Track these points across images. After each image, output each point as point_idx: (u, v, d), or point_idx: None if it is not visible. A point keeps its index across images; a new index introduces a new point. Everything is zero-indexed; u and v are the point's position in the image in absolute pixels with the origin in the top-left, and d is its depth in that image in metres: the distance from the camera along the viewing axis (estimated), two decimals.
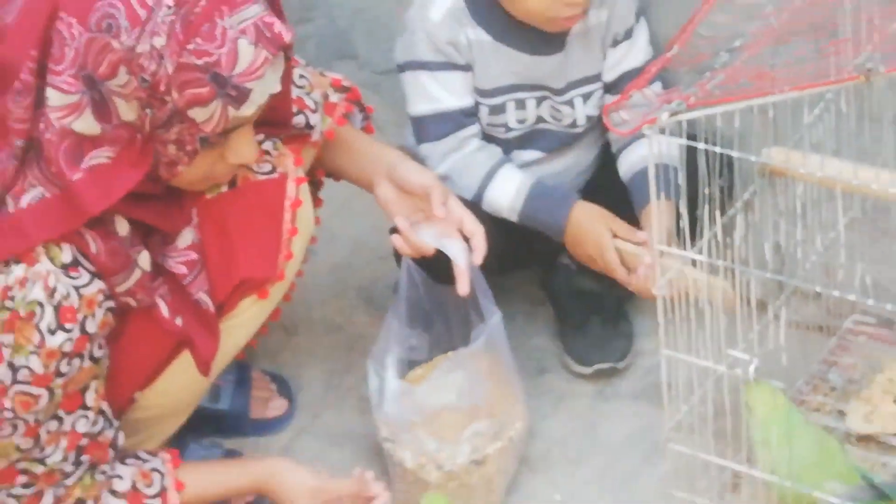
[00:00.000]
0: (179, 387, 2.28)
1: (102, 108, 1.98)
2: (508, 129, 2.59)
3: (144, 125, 2.01)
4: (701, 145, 2.09)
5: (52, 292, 2.01)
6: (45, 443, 2.11)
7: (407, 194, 2.40)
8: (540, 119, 2.60)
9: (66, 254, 2.03)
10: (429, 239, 2.36)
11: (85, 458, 2.15)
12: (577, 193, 2.55)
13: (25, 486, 2.16)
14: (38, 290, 2.00)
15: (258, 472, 2.35)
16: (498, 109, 2.57)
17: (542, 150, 2.64)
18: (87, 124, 1.99)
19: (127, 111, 1.98)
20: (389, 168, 2.42)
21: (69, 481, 2.15)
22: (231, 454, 2.55)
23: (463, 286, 2.35)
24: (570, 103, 2.57)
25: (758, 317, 2.25)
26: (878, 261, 2.54)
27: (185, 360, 2.23)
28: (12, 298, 2.00)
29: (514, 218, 2.52)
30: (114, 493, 2.20)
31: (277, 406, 2.68)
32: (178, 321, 2.17)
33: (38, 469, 2.14)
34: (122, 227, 2.09)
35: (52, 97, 1.97)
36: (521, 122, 2.59)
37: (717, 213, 2.11)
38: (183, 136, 2.05)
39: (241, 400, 2.65)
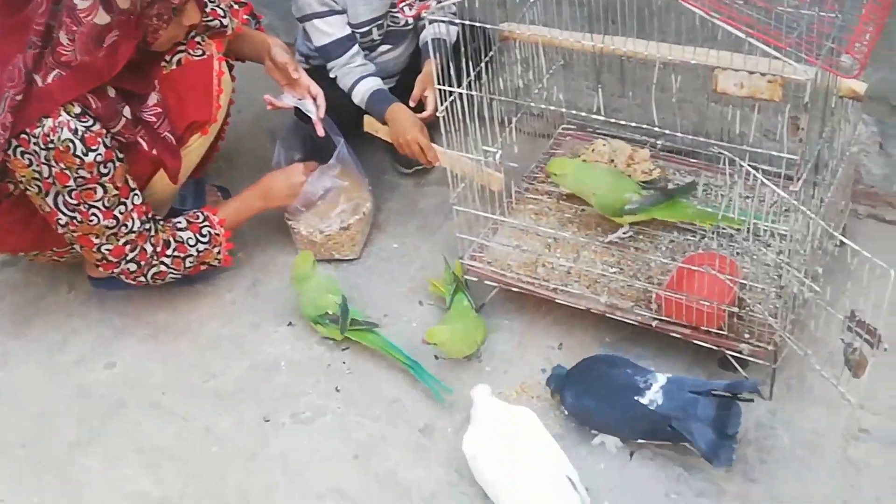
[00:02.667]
0: (160, 189, 2.53)
1: (108, 4, 2.17)
2: (374, 41, 2.85)
3: (136, 8, 2.21)
4: (459, 21, 2.39)
5: (74, 131, 2.23)
6: (124, 219, 2.38)
7: (279, 68, 2.66)
8: (388, 28, 2.85)
9: (76, 108, 2.24)
10: (288, 100, 2.63)
11: (151, 215, 2.43)
12: (395, 98, 2.74)
13: (132, 249, 2.42)
14: (66, 132, 2.22)
15: (257, 187, 2.63)
16: (366, 34, 2.82)
17: (392, 44, 2.90)
18: (102, 17, 2.17)
19: (124, 1, 2.18)
20: (269, 51, 2.65)
21: (154, 233, 2.43)
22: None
23: (319, 130, 2.65)
24: (402, 11, 2.84)
25: (502, 129, 2.52)
26: (574, 90, 2.83)
27: (161, 174, 2.49)
28: (52, 141, 2.22)
29: (363, 106, 2.77)
30: (179, 228, 2.50)
31: None
32: (154, 151, 2.42)
33: (133, 235, 2.41)
34: (111, 91, 2.31)
35: (79, 3, 2.13)
36: (380, 35, 2.84)
37: (471, 63, 2.37)
38: (161, 10, 2.26)
39: (200, 203, 2.86)
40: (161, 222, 2.50)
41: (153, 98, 2.43)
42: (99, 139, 2.26)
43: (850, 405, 2.22)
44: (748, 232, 2.26)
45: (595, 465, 2.25)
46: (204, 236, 2.54)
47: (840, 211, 2.50)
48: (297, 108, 2.68)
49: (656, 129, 2.52)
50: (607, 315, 2.40)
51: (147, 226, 2.44)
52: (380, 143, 2.87)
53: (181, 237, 2.50)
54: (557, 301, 2.45)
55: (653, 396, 2.17)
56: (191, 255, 2.52)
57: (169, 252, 2.48)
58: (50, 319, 2.74)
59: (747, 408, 2.27)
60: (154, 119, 2.43)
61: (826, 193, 2.31)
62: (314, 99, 2.62)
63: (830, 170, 2.31)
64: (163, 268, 2.48)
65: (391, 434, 2.36)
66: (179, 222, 2.53)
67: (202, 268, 2.58)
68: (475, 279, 2.55)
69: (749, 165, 2.13)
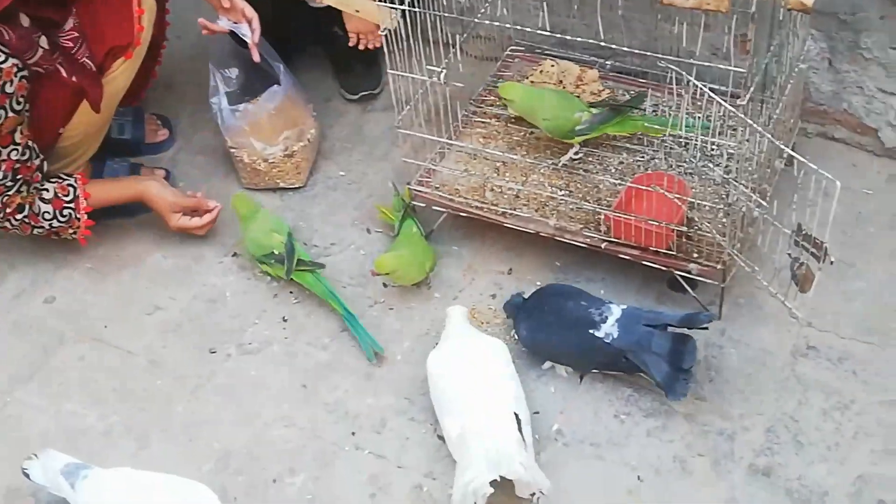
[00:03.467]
0: (86, 121, 2.47)
1: None
2: None
3: None
4: None
5: None
6: None
7: None
8: None
9: None
10: (223, 23, 2.55)
11: (19, 177, 2.32)
12: None
13: None
14: None
15: (139, 187, 2.54)
16: None
17: None
18: None
19: None
20: None
21: (11, 192, 2.32)
22: (134, 167, 2.74)
23: (255, 55, 2.56)
24: None
25: (447, 51, 2.44)
26: (521, 11, 2.74)
27: (86, 104, 2.42)
28: None
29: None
30: (43, 200, 2.40)
31: (163, 134, 2.88)
32: (74, 78, 2.35)
33: None
34: (25, 20, 2.23)
35: None
36: None
37: None
38: None
39: (139, 132, 2.83)
40: (30, 186, 2.37)
41: (70, 23, 2.35)
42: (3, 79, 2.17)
43: (798, 323, 2.24)
44: (696, 149, 2.24)
45: (545, 388, 2.24)
46: (64, 216, 2.44)
47: (789, 130, 2.49)
48: (232, 33, 2.59)
49: (603, 45, 2.48)
50: (557, 238, 2.38)
51: (8, 183, 2.32)
52: (325, 68, 2.79)
53: (38, 208, 2.40)
54: (506, 225, 2.43)
55: (608, 330, 2.15)
56: (41, 227, 2.43)
57: (19, 216, 2.38)
58: None
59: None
60: (71, 44, 2.35)
61: (774, 111, 2.30)
62: (249, 23, 2.53)
63: (779, 86, 2.29)
64: (7, 224, 2.39)
65: (340, 363, 2.34)
66: (46, 191, 2.41)
67: (52, 237, 2.49)
68: (423, 205, 2.52)
69: (696, 81, 2.10)
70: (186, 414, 2.26)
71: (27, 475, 2.05)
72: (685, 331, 2.15)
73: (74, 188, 2.45)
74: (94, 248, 2.63)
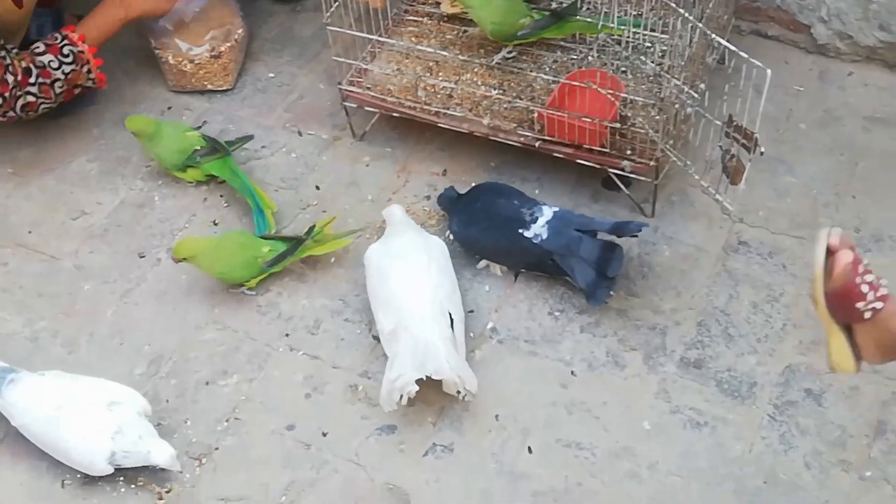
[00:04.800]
0: (6, 18, 2.38)
1: None
2: None
3: None
4: None
5: None
6: None
7: None
8: None
9: None
10: None
11: (2, 46, 2.29)
12: None
13: None
14: None
15: (120, 7, 2.44)
16: None
17: None
18: None
19: None
20: None
21: (7, 61, 2.27)
22: (58, 13, 2.61)
23: None
24: None
25: None
26: None
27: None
28: None
29: None
30: (38, 54, 2.33)
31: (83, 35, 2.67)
32: None
33: None
34: None
35: None
36: None
37: None
38: None
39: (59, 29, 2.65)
40: (16, 51, 2.33)
41: None
42: None
43: (729, 218, 2.25)
44: (628, 45, 2.21)
45: (480, 286, 2.24)
46: (66, 56, 2.36)
47: (722, 27, 2.48)
48: None
49: None
50: (491, 138, 2.36)
51: (2, 53, 2.28)
52: None
53: (42, 62, 2.33)
54: (440, 125, 2.40)
55: (538, 231, 2.14)
56: (58, 80, 2.35)
57: (32, 80, 2.31)
58: None
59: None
60: None
61: (707, 6, 2.27)
62: None
63: None
64: (30, 98, 2.32)
65: None
66: (37, 47, 2.36)
67: (76, 91, 2.41)
68: (355, 105, 2.47)
69: None
70: (116, 318, 2.22)
71: None
72: (614, 239, 2.14)
73: (60, 34, 2.38)
74: (15, 151, 2.55)
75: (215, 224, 2.39)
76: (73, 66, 2.37)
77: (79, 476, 1.93)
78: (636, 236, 2.17)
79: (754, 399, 2.00)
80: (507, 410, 2.01)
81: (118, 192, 2.47)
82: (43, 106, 2.37)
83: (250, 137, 2.50)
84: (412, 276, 2.07)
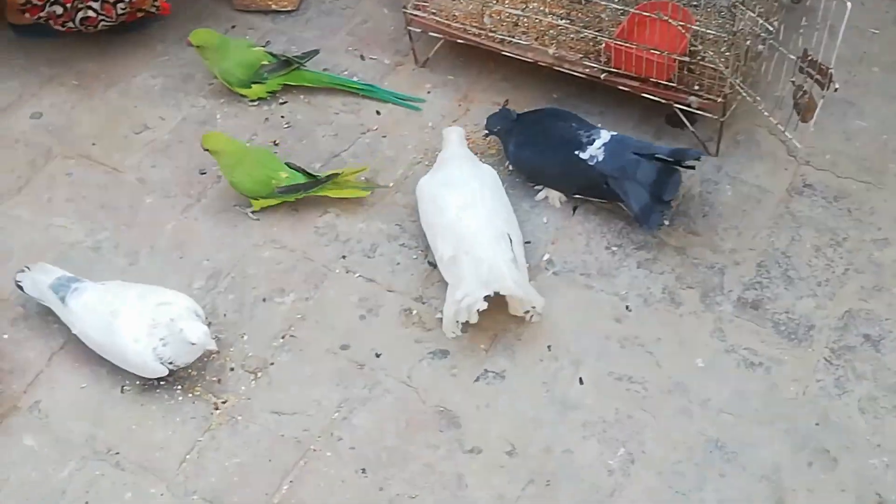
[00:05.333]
0: None
1: None
2: None
3: None
4: None
5: None
6: None
7: None
8: None
9: None
10: None
11: None
12: None
13: None
14: None
15: None
16: None
17: None
18: None
19: None
20: None
21: None
22: None
23: None
24: None
25: None
26: None
27: None
28: None
29: None
30: None
31: None
32: None
33: None
34: None
35: None
36: None
37: None
38: None
39: None
40: None
41: None
42: None
43: (795, 159, 2.22)
44: None
45: (538, 218, 2.23)
46: None
47: None
48: None
49: None
50: (555, 68, 2.34)
51: None
52: None
53: None
54: (504, 54, 2.38)
55: (594, 153, 2.13)
56: (122, 1, 2.37)
57: None
58: None
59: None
60: None
61: None
62: None
63: None
64: (91, 13, 2.34)
65: None
66: None
67: (139, 15, 2.43)
68: (419, 30, 2.45)
69: None
70: (176, 232, 2.24)
71: (20, 287, 2.05)
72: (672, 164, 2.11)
73: None
74: (81, 64, 2.57)
75: (275, 144, 2.40)
76: None
77: (138, 382, 1.97)
78: (693, 167, 2.15)
79: (811, 342, 1.99)
80: (560, 341, 2.02)
81: (181, 109, 2.48)
82: (103, 23, 2.38)
83: (316, 52, 2.51)
84: (467, 202, 2.07)
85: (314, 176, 2.21)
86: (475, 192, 2.09)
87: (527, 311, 1.98)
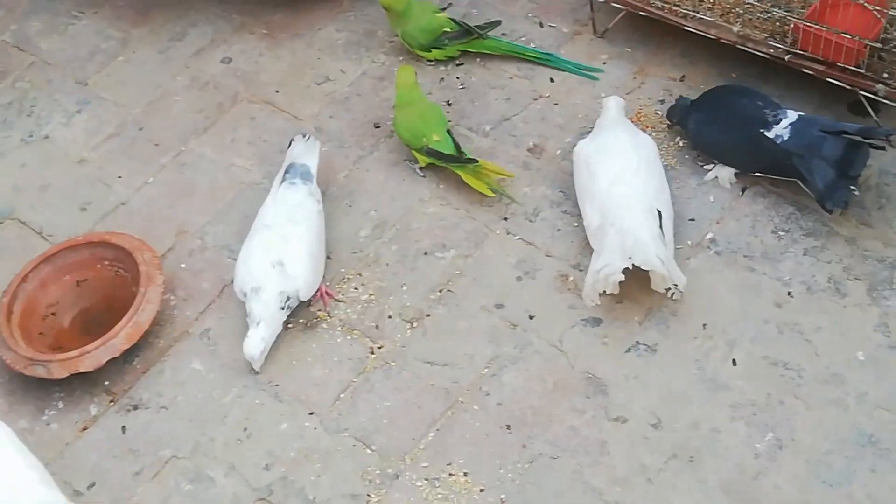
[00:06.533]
0: None
1: None
2: None
3: None
4: None
5: None
6: None
7: None
8: None
9: None
10: None
11: None
12: None
13: None
14: None
15: None
16: None
17: None
18: None
19: None
20: None
21: None
22: None
23: None
24: None
25: None
26: None
27: None
28: None
29: None
30: None
31: None
32: None
33: None
34: None
35: None
36: None
37: None
38: None
39: None
40: None
41: None
42: None
43: None
44: None
45: (704, 197, 2.22)
46: None
47: None
48: None
49: None
50: (738, 47, 2.31)
51: None
52: None
53: None
54: (686, 28, 2.36)
55: (780, 132, 2.11)
56: None
57: None
58: (171, 11, 2.74)
59: (873, 154, 2.20)
60: None
61: None
62: None
63: None
64: None
65: (500, 151, 2.36)
66: None
67: None
68: (602, 0, 2.46)
69: None
70: (347, 181, 2.33)
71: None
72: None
73: None
74: (270, 14, 2.69)
75: (448, 104, 2.46)
76: None
77: (301, 320, 2.08)
78: (884, 147, 2.09)
79: None
80: (716, 320, 2.01)
81: (361, 63, 2.57)
82: None
83: (498, 23, 2.54)
84: (620, 172, 2.09)
85: (462, 153, 2.25)
86: (630, 161, 2.11)
87: (668, 289, 1.98)
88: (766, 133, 2.11)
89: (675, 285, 1.98)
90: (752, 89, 2.25)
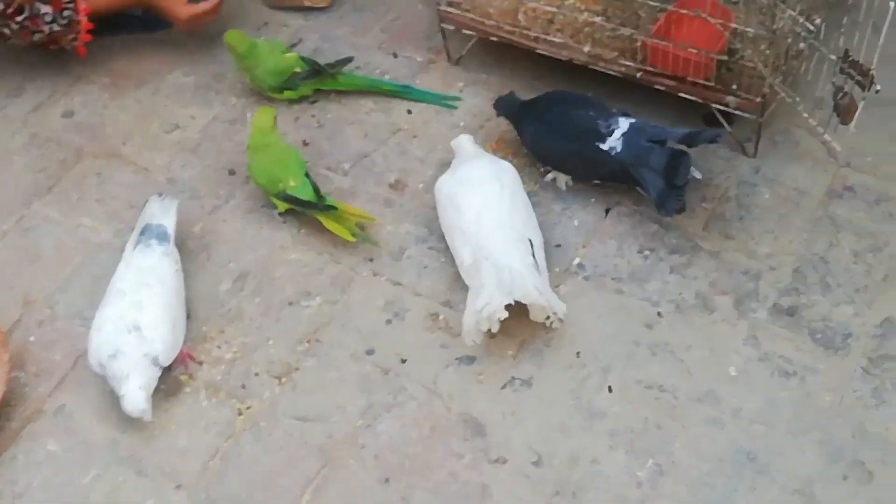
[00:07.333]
0: None
1: None
2: None
3: None
4: None
5: None
6: None
7: None
8: None
9: None
10: None
11: None
12: None
13: None
14: None
15: None
16: None
17: None
18: None
19: None
20: None
21: None
22: None
23: None
24: None
25: None
26: None
27: None
28: None
29: None
30: (43, 1, 2.33)
31: None
32: None
33: None
34: None
35: None
36: None
37: None
38: None
39: None
40: None
41: None
42: None
43: (835, 162, 2.18)
44: None
45: (569, 221, 2.22)
46: (64, 19, 2.36)
47: None
48: None
49: None
50: (590, 67, 2.32)
51: None
52: None
53: (38, 9, 2.33)
54: (538, 51, 2.36)
55: (613, 143, 2.14)
56: (41, 32, 2.36)
57: (19, 18, 2.32)
58: (4, 65, 2.63)
59: (729, 165, 2.25)
60: None
61: None
62: None
63: None
64: (6, 31, 2.34)
65: (360, 189, 2.32)
66: None
67: (51, 47, 2.42)
68: (452, 28, 2.45)
69: None
70: (203, 233, 2.26)
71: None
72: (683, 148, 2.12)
73: None
74: (112, 63, 2.60)
75: (305, 144, 2.41)
76: (62, 29, 2.37)
77: (162, 387, 1.98)
78: (716, 142, 2.14)
79: (848, 351, 1.96)
80: (589, 347, 2.01)
81: (212, 107, 2.50)
82: (12, 41, 2.38)
83: (350, 59, 2.50)
84: (486, 204, 2.07)
85: (322, 198, 2.20)
86: (494, 193, 2.09)
87: (547, 317, 1.97)
88: (600, 146, 2.14)
89: (555, 313, 1.96)
90: (585, 97, 2.27)
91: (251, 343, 2.06)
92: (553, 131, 2.21)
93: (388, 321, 2.09)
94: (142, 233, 2.12)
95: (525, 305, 1.96)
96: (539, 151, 2.27)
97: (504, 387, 1.97)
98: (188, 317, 2.08)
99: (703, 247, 2.14)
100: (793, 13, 2.01)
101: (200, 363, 2.03)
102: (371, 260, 2.19)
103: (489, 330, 1.94)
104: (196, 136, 2.45)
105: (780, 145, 2.27)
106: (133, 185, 2.36)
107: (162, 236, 2.11)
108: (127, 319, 1.95)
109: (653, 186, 2.09)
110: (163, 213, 2.16)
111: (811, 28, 1.99)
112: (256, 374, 2.01)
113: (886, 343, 1.95)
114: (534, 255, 2.02)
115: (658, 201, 2.09)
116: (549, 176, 2.26)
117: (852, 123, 1.93)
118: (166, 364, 1.97)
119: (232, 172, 2.37)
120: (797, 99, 2.10)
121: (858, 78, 1.85)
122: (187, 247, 2.23)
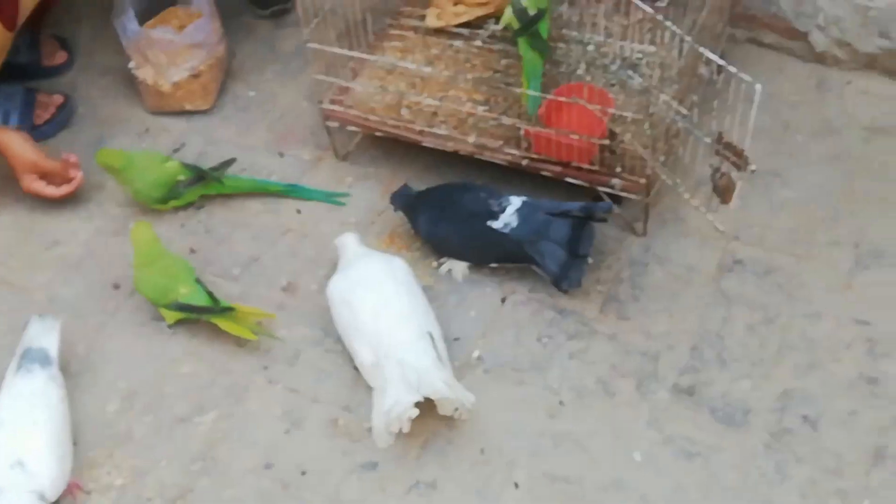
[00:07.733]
0: None
1: None
2: None
3: None
4: None
5: None
6: None
7: None
8: None
9: None
10: None
11: None
12: None
13: None
14: None
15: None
16: None
17: None
18: None
19: None
20: None
21: None
22: (29, 93, 2.60)
23: None
24: None
25: None
26: None
27: None
28: None
29: None
30: None
31: (61, 56, 2.78)
32: None
33: None
34: None
35: None
36: None
37: None
38: None
39: (34, 54, 2.73)
40: None
41: None
42: None
43: (724, 237, 2.21)
44: (617, 59, 2.18)
45: (465, 313, 2.20)
46: None
47: (717, 36, 2.44)
48: None
49: None
50: (477, 156, 2.33)
51: None
52: None
53: None
54: (424, 144, 2.37)
55: (507, 219, 2.15)
56: None
57: None
58: None
59: (620, 246, 2.26)
60: None
61: (700, 15, 2.24)
62: None
63: None
64: None
65: (251, 295, 2.28)
66: None
67: None
68: (337, 125, 2.45)
69: None
70: (87, 354, 2.19)
71: None
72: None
73: None
74: None
75: (192, 251, 2.37)
76: None
77: None
78: (605, 220, 2.17)
79: (749, 426, 1.96)
80: (493, 443, 1.98)
81: (93, 220, 2.44)
82: None
83: (233, 161, 2.47)
84: (382, 302, 2.05)
85: (217, 301, 2.15)
86: (390, 290, 2.08)
87: (455, 409, 1.94)
88: (493, 225, 2.14)
89: (464, 405, 1.94)
90: (476, 184, 2.29)
91: (142, 466, 1.98)
92: (445, 217, 2.21)
93: (287, 431, 2.04)
94: (22, 357, 2.04)
95: (430, 401, 1.92)
96: (433, 239, 2.26)
97: (409, 491, 1.93)
98: (74, 443, 1.99)
99: (601, 330, 2.14)
100: (666, 98, 2.04)
101: (88, 493, 1.94)
102: (266, 367, 2.14)
103: (400, 430, 1.90)
104: (78, 251, 2.39)
105: (669, 223, 2.30)
106: (12, 307, 2.27)
107: (44, 360, 2.03)
108: (9, 454, 1.87)
109: (552, 260, 2.09)
110: (45, 334, 2.08)
111: (684, 112, 2.03)
112: (149, 500, 1.93)
113: (785, 417, 1.97)
114: (436, 348, 2.00)
115: (559, 274, 2.09)
116: (445, 267, 2.25)
117: (733, 203, 1.96)
118: (54, 499, 1.88)
119: (117, 286, 2.31)
120: (678, 181, 2.13)
121: (734, 159, 1.88)
122: (72, 369, 2.15)
